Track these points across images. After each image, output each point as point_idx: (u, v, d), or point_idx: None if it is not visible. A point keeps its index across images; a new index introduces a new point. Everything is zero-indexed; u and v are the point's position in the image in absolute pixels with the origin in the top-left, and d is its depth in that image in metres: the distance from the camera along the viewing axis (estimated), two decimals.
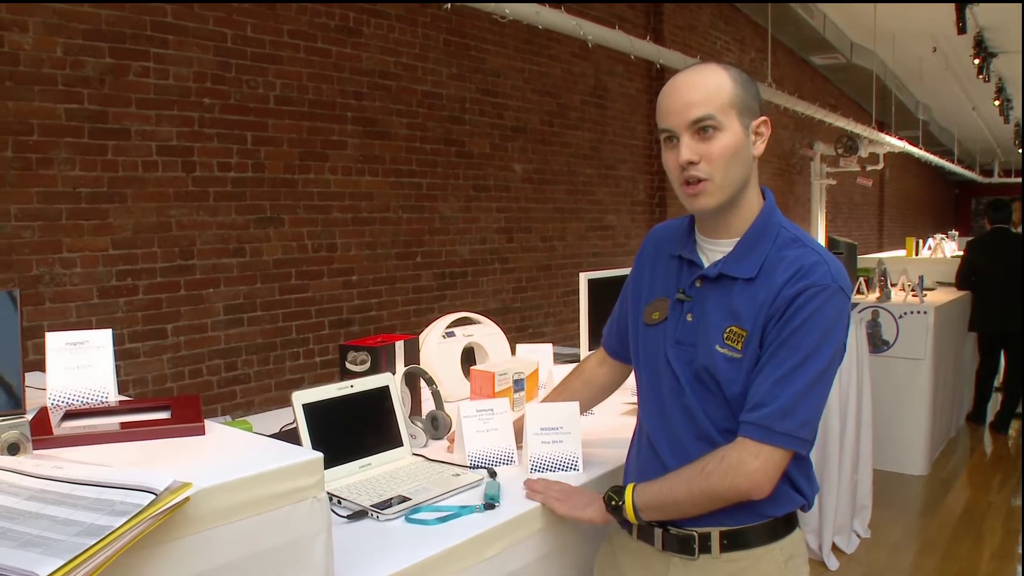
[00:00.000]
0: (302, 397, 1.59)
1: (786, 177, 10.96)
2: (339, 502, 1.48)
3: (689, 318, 1.44)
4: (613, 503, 1.45)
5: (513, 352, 2.62)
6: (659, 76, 7.46)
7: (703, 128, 1.35)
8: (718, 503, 1.36)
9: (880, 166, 11.92)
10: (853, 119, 10.40)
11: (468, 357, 2.51)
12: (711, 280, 1.43)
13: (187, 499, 0.90)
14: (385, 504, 1.46)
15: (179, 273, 4.00)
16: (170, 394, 3.91)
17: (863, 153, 10.67)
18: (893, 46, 10.08)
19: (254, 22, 4.27)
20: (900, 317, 5.01)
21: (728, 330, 1.38)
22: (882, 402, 4.84)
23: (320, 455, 1.06)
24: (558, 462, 1.69)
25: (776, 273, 1.36)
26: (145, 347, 3.86)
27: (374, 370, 1.92)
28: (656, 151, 7.18)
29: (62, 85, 3.55)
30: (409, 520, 1.43)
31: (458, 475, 1.62)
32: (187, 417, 1.19)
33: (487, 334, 2.55)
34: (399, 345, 2.01)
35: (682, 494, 1.37)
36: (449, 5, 4.34)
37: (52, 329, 3.57)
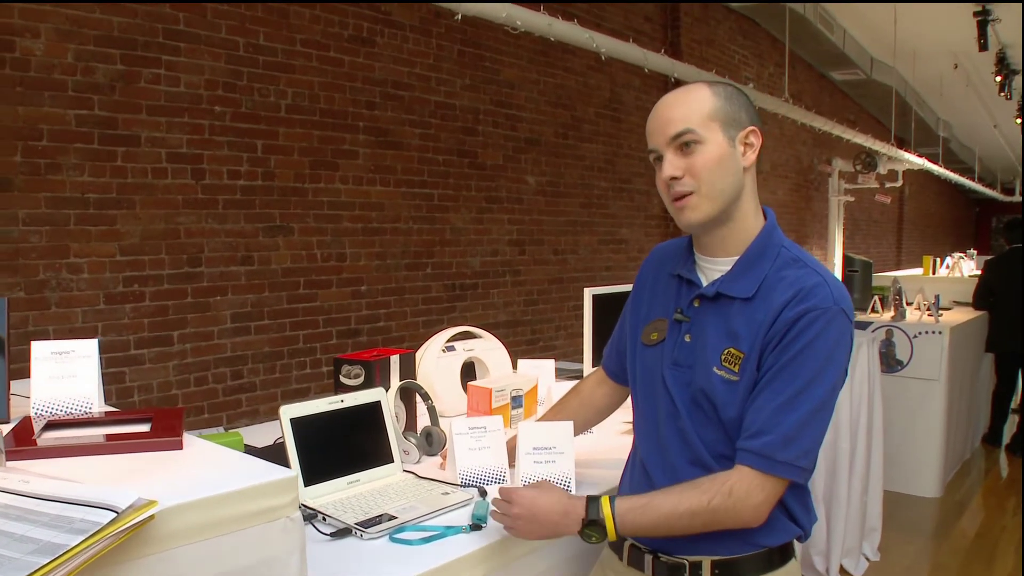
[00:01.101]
0: (290, 411, 1.57)
1: (803, 193, 10.88)
2: (324, 519, 1.45)
3: (687, 339, 1.41)
4: (593, 540, 1.35)
5: (515, 367, 2.58)
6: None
7: (684, 143, 1.34)
8: (713, 530, 1.33)
9: (899, 183, 11.81)
10: (872, 135, 10.31)
11: (469, 372, 2.48)
12: (709, 299, 1.40)
13: (151, 517, 0.88)
14: (370, 522, 1.43)
15: (186, 280, 4.00)
16: (175, 402, 3.90)
17: (882, 170, 10.57)
18: (914, 62, 9.99)
19: (267, 30, 4.28)
20: (915, 337, 4.93)
21: (726, 352, 1.35)
22: (895, 422, 4.76)
23: (294, 473, 1.03)
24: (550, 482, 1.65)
25: (775, 294, 1.33)
26: (151, 354, 3.85)
27: (368, 384, 1.90)
28: None
29: (72, 91, 3.56)
30: (393, 539, 1.40)
31: (447, 493, 1.59)
32: (165, 431, 1.17)
33: (488, 349, 2.52)
34: (394, 359, 1.98)
35: (681, 527, 1.32)
36: (460, 16, 4.32)
37: (58, 334, 3.56)
